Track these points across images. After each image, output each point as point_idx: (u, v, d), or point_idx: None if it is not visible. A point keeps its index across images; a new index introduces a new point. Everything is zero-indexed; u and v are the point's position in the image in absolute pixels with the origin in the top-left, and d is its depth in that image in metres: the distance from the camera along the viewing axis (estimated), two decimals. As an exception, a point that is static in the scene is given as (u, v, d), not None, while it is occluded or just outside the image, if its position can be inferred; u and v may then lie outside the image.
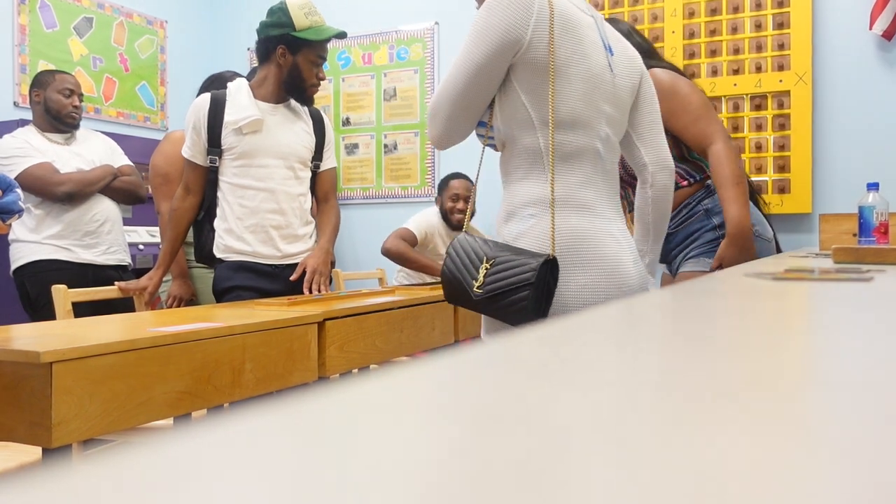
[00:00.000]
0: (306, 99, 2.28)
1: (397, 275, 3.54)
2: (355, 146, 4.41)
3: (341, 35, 2.22)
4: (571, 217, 1.40)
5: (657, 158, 1.60)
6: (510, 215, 1.44)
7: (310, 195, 2.32)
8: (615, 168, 1.53)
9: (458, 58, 1.42)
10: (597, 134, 1.45)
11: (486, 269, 1.37)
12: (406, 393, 0.29)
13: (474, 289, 1.37)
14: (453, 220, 3.49)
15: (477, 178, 1.58)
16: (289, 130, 2.24)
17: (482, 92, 1.41)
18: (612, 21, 2.06)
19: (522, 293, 1.31)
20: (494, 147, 1.50)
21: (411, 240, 3.40)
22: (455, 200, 3.49)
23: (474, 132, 1.51)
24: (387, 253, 3.38)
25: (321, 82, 2.27)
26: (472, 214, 3.53)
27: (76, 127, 2.91)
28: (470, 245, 1.43)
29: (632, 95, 1.57)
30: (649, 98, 1.61)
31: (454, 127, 1.46)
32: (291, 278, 2.19)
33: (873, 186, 2.02)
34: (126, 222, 3.09)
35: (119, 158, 2.98)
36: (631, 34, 2.14)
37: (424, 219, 3.50)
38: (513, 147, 1.44)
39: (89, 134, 3.01)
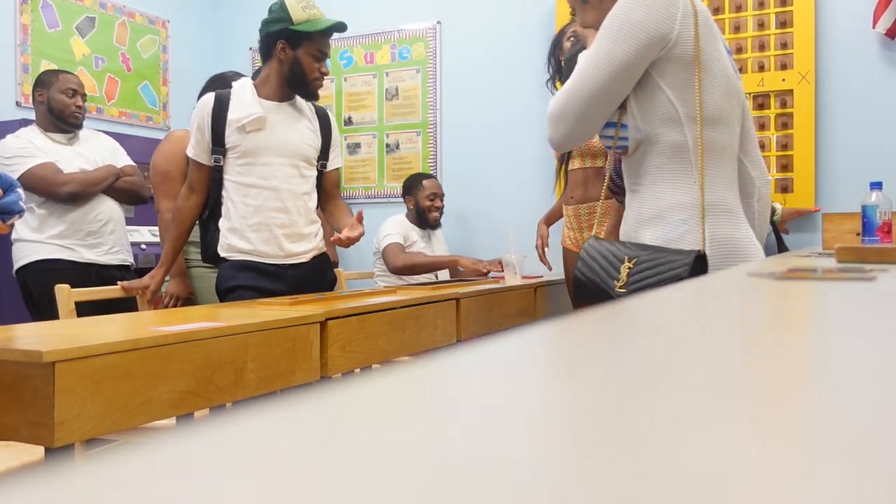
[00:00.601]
0: (310, 93, 2.26)
1: (376, 278, 3.55)
2: (357, 146, 4.41)
3: (340, 27, 2.19)
4: (722, 225, 1.39)
5: (762, 172, 1.61)
6: (654, 219, 1.42)
7: (315, 194, 2.30)
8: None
9: (592, 56, 1.39)
10: (733, 132, 1.45)
11: (629, 268, 1.36)
12: (408, 392, 0.29)
13: (616, 288, 1.36)
14: (430, 218, 3.56)
15: (607, 183, 1.57)
16: (293, 129, 2.23)
17: (621, 89, 1.40)
18: None
19: None
20: (622, 150, 1.48)
21: (402, 250, 3.44)
22: (433, 199, 3.58)
23: (598, 135, 1.49)
24: (398, 271, 3.38)
25: (324, 77, 2.25)
26: (442, 212, 3.62)
27: (79, 127, 2.92)
28: (605, 247, 1.42)
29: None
30: (748, 111, 1.60)
31: (583, 127, 1.44)
32: (341, 236, 2.10)
33: (876, 185, 2.02)
34: (128, 222, 3.10)
35: (121, 158, 2.99)
36: None
37: (396, 225, 3.54)
38: (652, 146, 1.42)
39: (92, 134, 3.02)
